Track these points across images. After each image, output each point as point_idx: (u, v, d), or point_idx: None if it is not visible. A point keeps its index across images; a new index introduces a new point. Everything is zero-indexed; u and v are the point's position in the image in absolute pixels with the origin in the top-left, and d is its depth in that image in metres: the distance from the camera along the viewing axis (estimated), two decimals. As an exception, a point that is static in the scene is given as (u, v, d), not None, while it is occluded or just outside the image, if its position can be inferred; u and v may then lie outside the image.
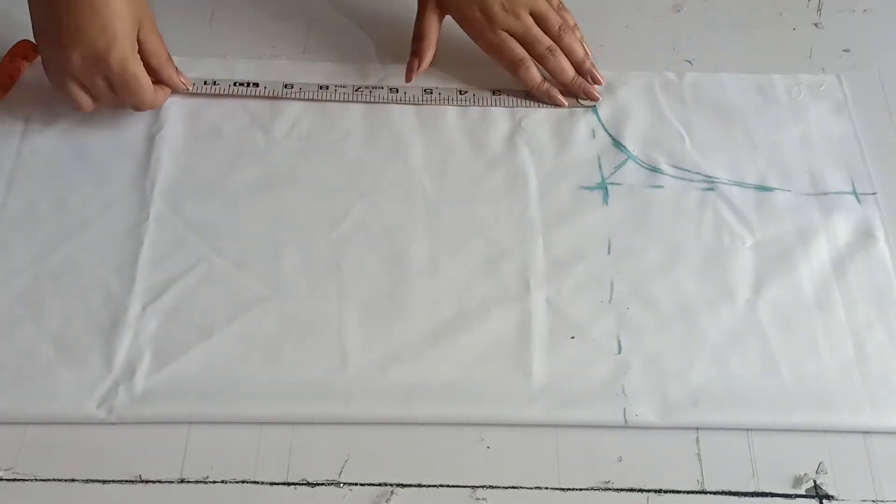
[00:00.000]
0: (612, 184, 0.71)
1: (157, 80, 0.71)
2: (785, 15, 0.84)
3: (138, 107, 0.70)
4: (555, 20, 0.77)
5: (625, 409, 0.60)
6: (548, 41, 0.76)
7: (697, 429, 0.61)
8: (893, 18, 0.84)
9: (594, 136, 0.74)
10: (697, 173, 0.72)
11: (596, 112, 0.76)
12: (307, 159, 0.72)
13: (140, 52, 0.69)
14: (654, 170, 0.72)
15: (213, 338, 0.63)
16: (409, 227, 0.69)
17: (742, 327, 0.64)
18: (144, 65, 0.69)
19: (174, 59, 0.73)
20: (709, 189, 0.71)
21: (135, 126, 0.73)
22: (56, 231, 0.67)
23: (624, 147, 0.74)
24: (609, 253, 0.68)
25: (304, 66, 0.78)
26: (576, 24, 0.78)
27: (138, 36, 0.68)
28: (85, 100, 0.69)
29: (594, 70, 0.77)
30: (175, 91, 0.73)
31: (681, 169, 0.72)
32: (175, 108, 0.74)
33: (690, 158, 0.73)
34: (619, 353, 0.63)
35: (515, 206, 0.70)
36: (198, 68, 0.76)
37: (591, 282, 0.66)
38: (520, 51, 0.76)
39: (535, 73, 0.76)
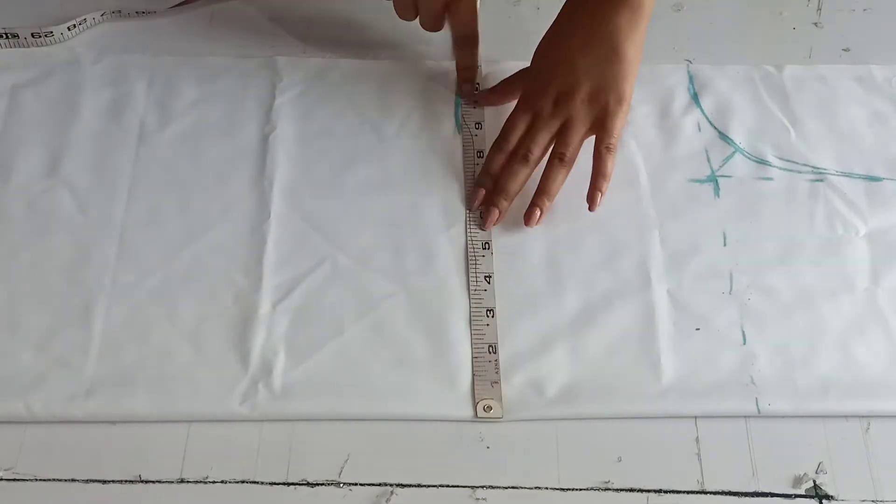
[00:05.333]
0: (721, 176, 0.72)
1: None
2: (785, 14, 0.84)
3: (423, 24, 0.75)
4: (569, 147, 0.69)
5: (757, 399, 0.61)
6: (536, 151, 0.69)
7: (697, 427, 0.60)
8: (893, 18, 0.84)
9: (699, 130, 0.75)
10: (805, 165, 0.73)
11: (699, 105, 0.76)
12: (420, 157, 0.73)
13: None
14: (762, 162, 0.73)
15: (346, 334, 0.63)
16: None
17: (864, 316, 0.65)
18: None
19: (174, 58, 0.76)
20: (818, 180, 0.72)
21: (247, 127, 0.74)
22: (181, 232, 0.68)
23: (731, 140, 0.74)
24: (725, 245, 0.68)
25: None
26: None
27: None
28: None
29: (537, 212, 0.69)
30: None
31: (788, 161, 0.73)
32: (285, 109, 0.75)
33: (797, 150, 0.74)
34: (745, 343, 0.64)
35: (629, 198, 0.70)
36: (304, 68, 0.78)
37: (711, 273, 0.67)
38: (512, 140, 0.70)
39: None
